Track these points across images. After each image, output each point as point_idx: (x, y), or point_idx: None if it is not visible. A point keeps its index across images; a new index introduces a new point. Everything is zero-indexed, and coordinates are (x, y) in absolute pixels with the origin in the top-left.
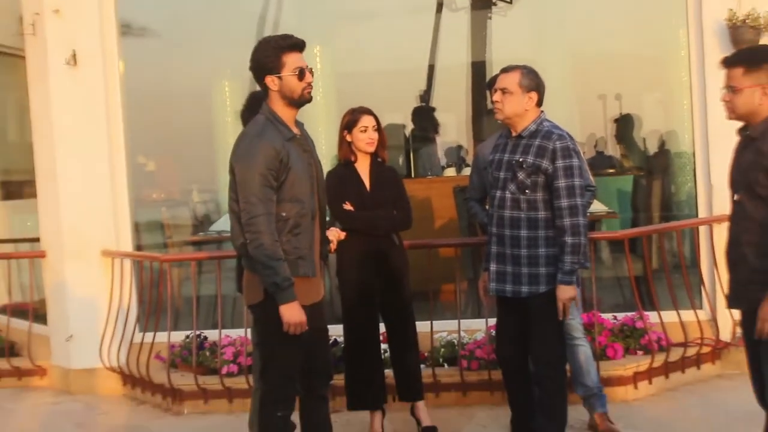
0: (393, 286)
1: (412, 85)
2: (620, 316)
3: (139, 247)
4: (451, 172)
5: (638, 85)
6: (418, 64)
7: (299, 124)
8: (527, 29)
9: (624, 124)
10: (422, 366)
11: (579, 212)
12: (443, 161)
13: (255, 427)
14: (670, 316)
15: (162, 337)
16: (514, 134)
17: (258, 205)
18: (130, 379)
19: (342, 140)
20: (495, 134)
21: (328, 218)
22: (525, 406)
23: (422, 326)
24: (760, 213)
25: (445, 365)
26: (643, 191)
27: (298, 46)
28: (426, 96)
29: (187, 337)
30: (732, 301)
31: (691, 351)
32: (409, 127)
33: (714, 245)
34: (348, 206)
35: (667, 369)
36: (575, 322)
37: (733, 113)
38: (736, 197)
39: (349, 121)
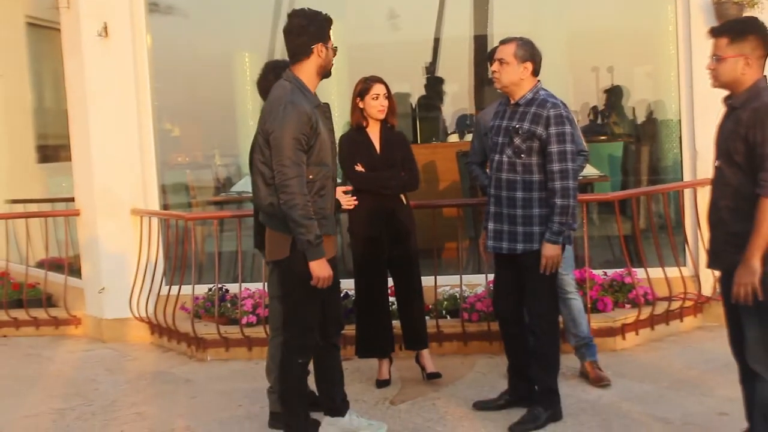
0: (400, 243)
1: (419, 57)
2: (610, 272)
3: (165, 207)
4: (454, 137)
5: (629, 58)
6: (424, 36)
7: (315, 95)
8: (526, 4)
9: (615, 94)
10: (427, 317)
11: (569, 176)
12: (448, 128)
13: (273, 374)
14: (656, 272)
15: (187, 290)
16: (512, 102)
17: (292, 167)
18: (157, 328)
19: (354, 107)
20: (495, 102)
21: (339, 180)
22: (521, 355)
23: (427, 281)
24: (737, 179)
25: (448, 317)
26: (632, 157)
27: (331, 24)
28: (432, 67)
29: (210, 289)
30: (712, 262)
31: (675, 305)
32: (416, 95)
33: (698, 207)
34: (359, 167)
35: (652, 321)
36: (568, 277)
37: (717, 81)
38: (716, 163)
39: (362, 88)
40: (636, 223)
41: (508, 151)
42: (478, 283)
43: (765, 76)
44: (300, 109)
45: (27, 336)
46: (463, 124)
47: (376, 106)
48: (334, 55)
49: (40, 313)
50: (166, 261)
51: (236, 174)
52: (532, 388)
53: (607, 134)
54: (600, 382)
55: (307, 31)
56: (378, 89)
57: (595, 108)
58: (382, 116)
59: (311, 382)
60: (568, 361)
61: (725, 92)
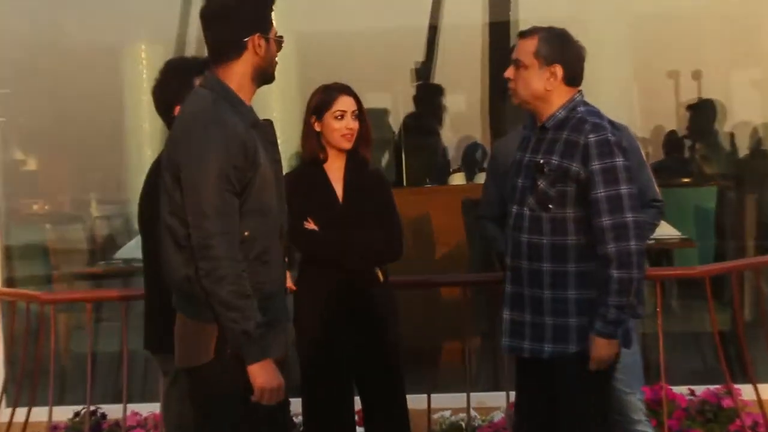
0: (373, 344)
1: (406, 54)
2: (699, 389)
3: (10, 281)
4: (459, 178)
5: (724, 58)
6: (414, 22)
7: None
8: None
9: (704, 114)
10: None
11: (630, 233)
12: (450, 164)
13: None
14: None
15: (41, 413)
16: (537, 125)
17: (216, 219)
18: None
19: (308, 130)
20: (520, 127)
21: None
22: None
23: (416, 401)
24: None
25: None
26: (731, 209)
27: (274, 2)
28: (426, 70)
29: (77, 414)
30: None
31: None
32: (402, 113)
33: None
34: (310, 224)
35: None
36: (634, 398)
37: None
38: None
39: (320, 103)
40: (738, 314)
41: (530, 200)
42: (495, 405)
43: None
44: (229, 131)
45: None
46: (472, 158)
47: (340, 129)
48: (279, 49)
49: None
50: (9, 367)
51: (123, 231)
52: None
53: (693, 175)
54: None
55: (236, 16)
56: (344, 104)
57: (673, 135)
58: (348, 145)
59: None
60: None
61: None
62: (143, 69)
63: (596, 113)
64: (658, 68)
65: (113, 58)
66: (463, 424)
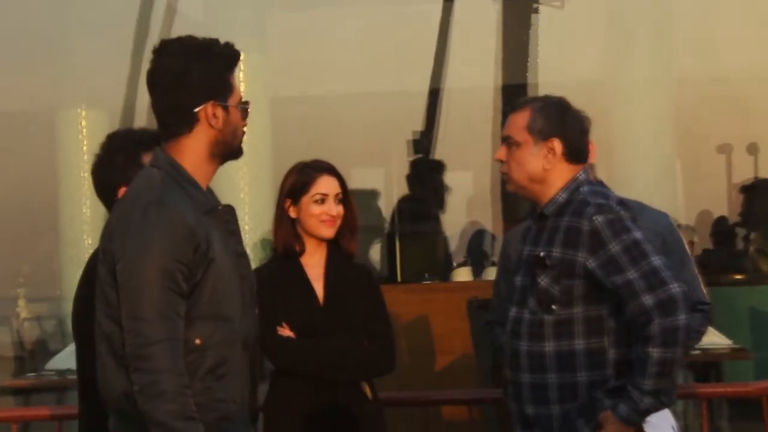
0: None
1: (401, 122)
2: None
3: None
4: (464, 274)
5: None
6: (411, 85)
7: (209, 191)
8: (597, 31)
9: (760, 196)
10: None
11: (678, 307)
12: (453, 257)
13: None
14: None
15: None
16: (537, 212)
17: (156, 323)
18: None
19: (281, 216)
20: None
21: None
22: None
23: None
24: None
25: None
26: None
27: (237, 63)
28: (425, 141)
29: None
30: None
31: None
32: (395, 194)
33: None
34: (285, 330)
35: None
36: None
37: None
38: None
39: (296, 184)
40: None
41: (530, 302)
42: None
43: None
44: (172, 215)
45: None
46: (479, 249)
47: (319, 215)
48: (244, 118)
49: None
50: None
51: (57, 335)
52: None
53: (747, 271)
54: None
55: (184, 82)
56: (325, 185)
57: (722, 222)
58: (330, 234)
59: None
60: None
61: None
62: (83, 139)
63: (601, 193)
64: (706, 141)
65: (45, 123)
66: None
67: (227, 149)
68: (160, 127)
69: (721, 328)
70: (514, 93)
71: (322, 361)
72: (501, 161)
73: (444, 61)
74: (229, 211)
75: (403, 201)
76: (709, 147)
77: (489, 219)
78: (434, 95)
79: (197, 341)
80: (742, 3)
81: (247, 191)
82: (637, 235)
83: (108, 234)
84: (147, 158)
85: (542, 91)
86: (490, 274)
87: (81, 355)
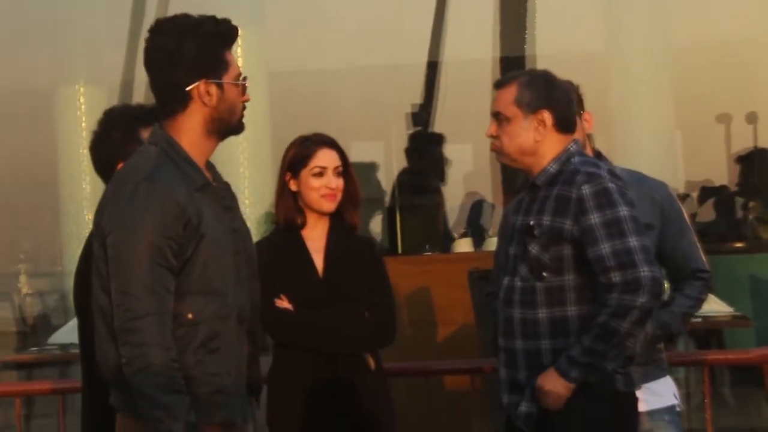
0: None
1: (400, 95)
2: None
3: None
4: (465, 245)
5: None
6: (410, 58)
7: (210, 167)
8: (596, 2)
9: (758, 166)
10: None
11: (642, 289)
12: (453, 229)
13: None
14: None
15: None
16: (529, 183)
17: (144, 298)
18: None
19: (282, 189)
20: None
21: None
22: None
23: None
24: None
25: None
26: None
27: (234, 39)
28: (424, 114)
29: None
30: None
31: None
32: (395, 167)
33: None
34: (284, 302)
35: None
36: None
37: None
38: None
39: (296, 157)
40: None
41: (522, 269)
42: None
43: None
44: (162, 192)
45: None
46: (480, 220)
47: (319, 188)
48: (243, 94)
49: None
50: None
51: (59, 310)
52: None
53: (747, 239)
54: None
55: (176, 60)
56: (325, 159)
57: (721, 191)
58: (331, 207)
59: None
60: None
61: None
62: (82, 116)
63: (593, 163)
64: (705, 111)
65: (46, 101)
66: None
67: (224, 126)
68: (158, 104)
69: (722, 296)
70: (512, 65)
71: (323, 334)
72: (492, 137)
73: (442, 34)
74: (224, 189)
75: (402, 174)
76: (709, 117)
77: (489, 190)
78: (432, 68)
79: (189, 316)
80: None
81: (246, 165)
82: (622, 211)
83: (101, 209)
84: (145, 134)
85: (541, 64)
86: (491, 245)
87: (83, 330)
